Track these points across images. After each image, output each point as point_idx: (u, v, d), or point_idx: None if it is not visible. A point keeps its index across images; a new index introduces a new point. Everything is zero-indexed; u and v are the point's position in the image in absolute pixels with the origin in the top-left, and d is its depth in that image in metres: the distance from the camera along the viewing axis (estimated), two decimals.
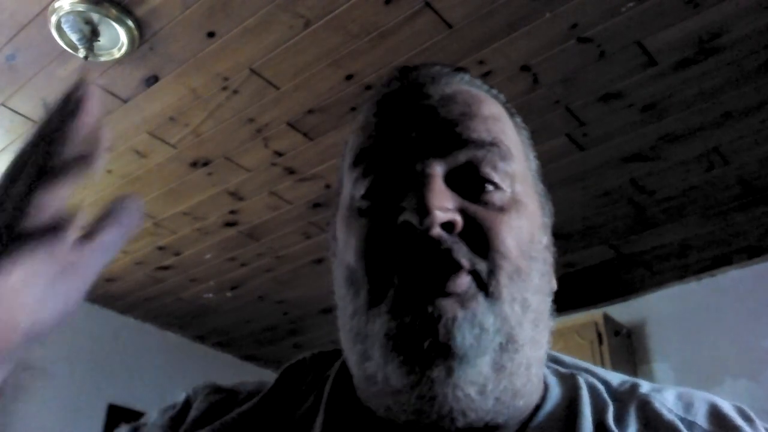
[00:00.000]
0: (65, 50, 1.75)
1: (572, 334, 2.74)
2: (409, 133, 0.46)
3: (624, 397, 0.47)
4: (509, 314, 0.42)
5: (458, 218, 0.42)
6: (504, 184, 0.45)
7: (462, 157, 0.45)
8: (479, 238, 0.43)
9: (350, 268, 0.46)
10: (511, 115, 0.53)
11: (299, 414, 0.50)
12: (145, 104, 1.97)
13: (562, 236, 2.59)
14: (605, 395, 0.47)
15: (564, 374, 0.51)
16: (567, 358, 0.55)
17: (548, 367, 0.52)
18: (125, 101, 1.95)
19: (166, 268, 2.89)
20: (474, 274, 0.42)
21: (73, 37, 1.69)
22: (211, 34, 1.72)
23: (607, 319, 2.76)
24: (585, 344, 2.69)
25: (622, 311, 2.93)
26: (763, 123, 1.99)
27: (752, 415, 0.46)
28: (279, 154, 2.17)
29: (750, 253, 2.66)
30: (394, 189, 0.45)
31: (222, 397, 0.58)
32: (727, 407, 0.47)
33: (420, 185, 0.43)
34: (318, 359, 0.56)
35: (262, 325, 3.40)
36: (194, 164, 2.23)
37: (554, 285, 0.50)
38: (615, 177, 2.24)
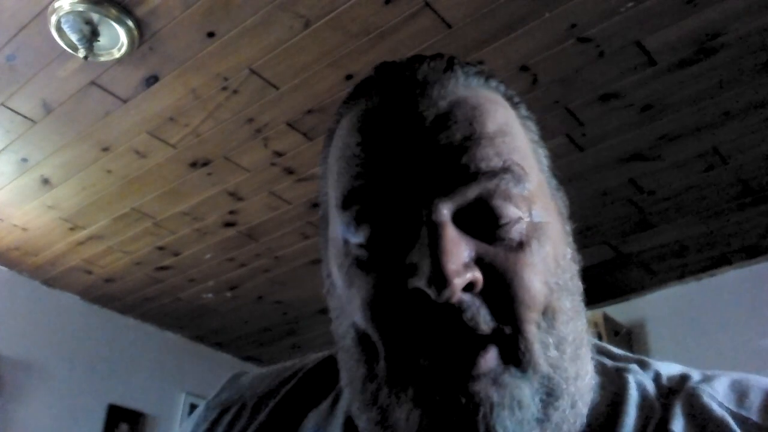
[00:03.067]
0: (65, 50, 1.75)
1: None
2: (405, 169, 0.40)
3: (672, 393, 0.43)
4: (544, 366, 0.38)
5: (478, 276, 0.37)
6: (521, 211, 0.40)
7: (471, 193, 0.39)
8: (501, 288, 0.38)
9: (359, 330, 0.41)
10: (516, 106, 0.47)
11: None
12: (144, 104, 1.97)
13: None
14: (653, 397, 0.43)
15: (610, 371, 0.47)
16: (617, 351, 0.51)
17: (594, 361, 0.48)
18: (125, 101, 1.95)
19: (165, 268, 2.89)
20: (498, 341, 0.37)
21: (73, 37, 1.69)
22: (211, 34, 1.72)
23: (607, 319, 2.76)
24: None
25: (622, 311, 2.93)
26: (762, 123, 1.99)
27: None
28: (278, 154, 2.17)
29: (749, 253, 2.66)
30: (396, 238, 0.40)
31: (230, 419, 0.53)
32: None
33: (429, 239, 0.37)
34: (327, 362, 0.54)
35: (261, 325, 3.40)
36: (194, 164, 2.23)
37: (580, 285, 0.45)
38: (614, 177, 2.24)
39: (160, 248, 2.74)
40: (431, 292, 0.36)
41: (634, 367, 0.47)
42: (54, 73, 1.86)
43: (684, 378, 0.44)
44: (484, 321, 0.37)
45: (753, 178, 2.24)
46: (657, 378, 0.45)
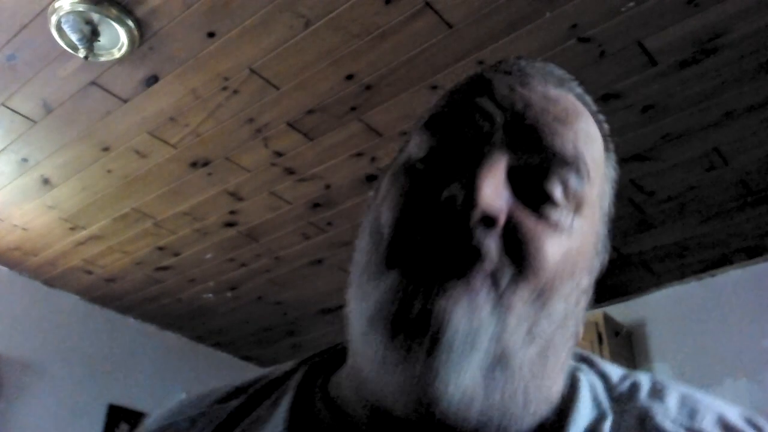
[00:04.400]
0: (65, 50, 1.75)
1: None
2: (492, 111, 0.42)
3: (623, 403, 0.44)
4: (510, 332, 0.38)
5: (502, 215, 0.39)
6: (568, 205, 0.41)
7: (534, 161, 0.41)
8: (516, 246, 0.39)
9: (379, 220, 0.42)
10: (608, 148, 0.48)
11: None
12: (145, 104, 1.96)
13: None
14: (605, 400, 0.44)
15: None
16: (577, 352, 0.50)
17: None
18: (125, 101, 1.95)
19: (165, 268, 2.89)
20: (492, 279, 0.38)
21: (73, 37, 1.69)
22: (211, 34, 1.72)
23: (607, 319, 2.76)
24: (585, 344, 2.68)
25: (622, 311, 2.93)
26: (763, 123, 1.99)
27: (761, 423, 0.43)
28: (279, 154, 2.17)
29: (750, 254, 2.66)
30: (454, 162, 0.41)
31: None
32: (736, 417, 0.43)
33: (479, 166, 0.39)
34: (298, 365, 0.53)
35: (261, 325, 3.40)
36: (194, 164, 2.23)
37: (581, 331, 0.46)
38: None
39: (160, 248, 2.74)
40: (459, 195, 0.37)
41: (583, 366, 0.47)
42: (54, 73, 1.85)
43: (634, 389, 0.45)
44: (489, 251, 0.38)
45: (754, 179, 2.24)
46: (605, 380, 0.46)
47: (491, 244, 0.38)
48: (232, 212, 2.49)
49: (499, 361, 0.38)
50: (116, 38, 1.70)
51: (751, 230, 2.52)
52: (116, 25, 1.66)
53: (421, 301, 0.37)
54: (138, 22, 1.67)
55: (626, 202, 2.38)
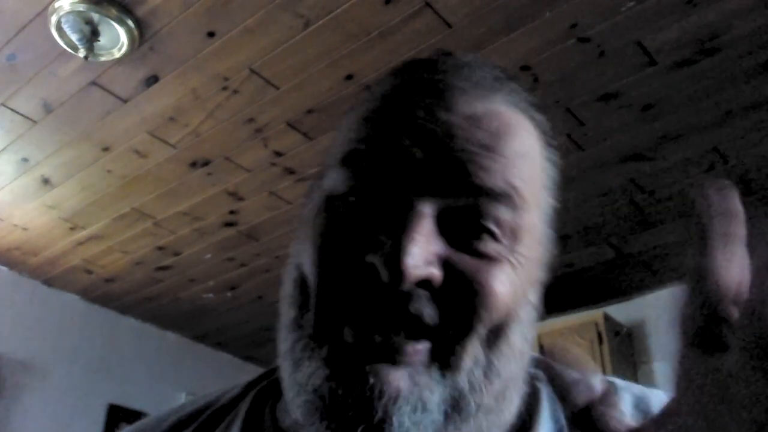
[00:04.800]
0: (65, 50, 1.75)
1: (572, 334, 2.74)
2: (412, 149, 0.39)
3: (583, 411, 0.43)
4: (463, 384, 0.37)
5: (436, 274, 0.36)
6: (504, 237, 0.39)
7: (462, 201, 0.38)
8: (461, 294, 0.37)
9: (301, 272, 0.40)
10: (545, 145, 0.46)
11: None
12: (145, 104, 1.97)
13: (562, 236, 2.58)
14: (561, 410, 0.43)
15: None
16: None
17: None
18: (125, 101, 1.95)
19: (165, 268, 2.89)
20: (434, 342, 0.36)
21: (73, 37, 1.69)
22: (211, 34, 1.72)
23: (607, 319, 2.76)
24: (585, 344, 2.69)
25: (622, 311, 2.93)
26: (762, 122, 1.99)
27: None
28: (278, 154, 2.17)
29: None
30: (375, 208, 0.39)
31: None
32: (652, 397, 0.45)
33: (404, 224, 0.36)
34: (244, 390, 0.53)
35: (261, 325, 3.40)
36: (194, 164, 2.23)
37: (532, 338, 0.44)
38: (615, 177, 2.24)
39: (160, 248, 2.74)
40: (383, 274, 0.35)
41: (540, 374, 0.46)
42: (54, 73, 1.86)
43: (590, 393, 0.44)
44: (429, 315, 0.36)
45: (754, 178, 2.24)
46: (562, 388, 0.45)
47: (428, 308, 0.36)
48: (231, 212, 2.49)
49: (453, 413, 0.37)
50: (116, 38, 1.70)
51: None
52: (116, 25, 1.66)
53: (359, 402, 0.35)
54: (138, 22, 1.67)
55: (626, 202, 2.38)
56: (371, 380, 0.35)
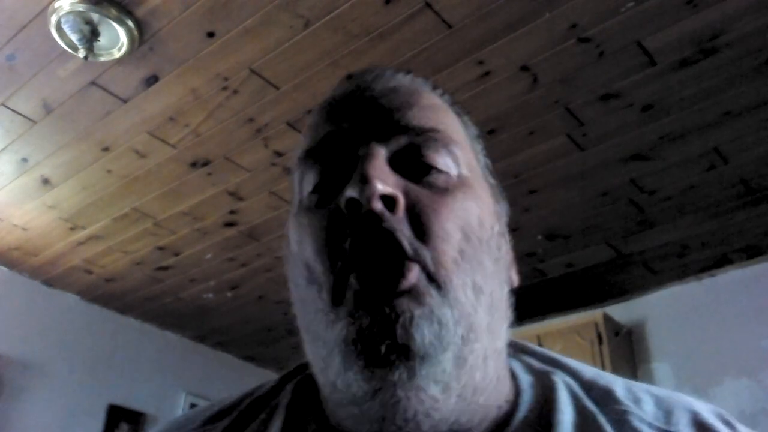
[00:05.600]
0: (65, 50, 1.75)
1: (572, 334, 2.74)
2: (350, 123, 0.46)
3: (601, 403, 0.45)
4: (463, 301, 0.41)
5: (399, 194, 0.41)
6: (448, 167, 0.45)
7: (403, 141, 0.45)
8: (421, 220, 0.42)
9: (309, 266, 0.44)
10: (457, 113, 0.52)
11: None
12: (145, 104, 1.97)
13: (562, 236, 2.59)
14: (586, 401, 0.45)
15: (539, 371, 0.49)
16: (539, 349, 0.53)
17: (520, 361, 0.50)
18: (125, 101, 1.95)
19: (165, 268, 2.89)
20: (420, 263, 0.40)
21: (73, 37, 1.69)
22: (211, 34, 1.72)
23: (607, 319, 2.76)
24: (585, 344, 2.69)
25: (622, 311, 2.93)
26: (762, 122, 1.99)
27: (732, 420, 0.45)
28: (279, 154, 2.17)
29: (749, 253, 2.66)
30: (340, 178, 0.44)
31: None
32: (708, 413, 0.45)
33: (361, 165, 0.42)
34: (281, 382, 0.54)
35: (262, 325, 3.40)
36: (194, 164, 2.23)
37: (515, 278, 0.49)
38: (615, 177, 2.24)
39: (161, 248, 2.74)
40: (355, 191, 0.40)
41: (558, 372, 0.49)
42: (54, 73, 1.86)
43: (609, 393, 0.46)
44: (405, 238, 0.40)
45: (754, 178, 2.24)
46: (579, 379, 0.48)
47: (403, 228, 0.41)
48: (232, 212, 2.49)
49: (469, 334, 0.40)
50: (116, 38, 1.70)
51: (751, 230, 2.52)
52: (116, 25, 1.66)
53: (381, 333, 0.38)
54: (138, 22, 1.68)
55: (626, 202, 2.38)
56: (386, 310, 0.38)
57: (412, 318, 0.38)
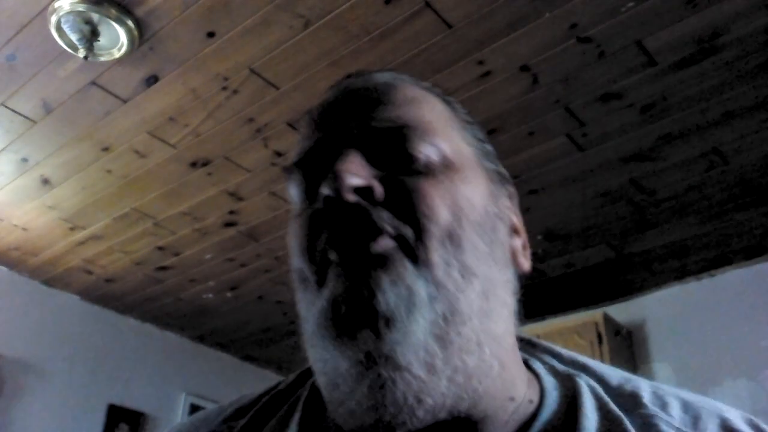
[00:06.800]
0: (65, 50, 1.75)
1: (572, 334, 2.74)
2: (326, 132, 0.47)
3: (628, 409, 0.44)
4: (445, 281, 0.40)
5: (375, 183, 0.42)
6: (432, 154, 0.45)
7: (378, 136, 0.45)
8: (404, 203, 0.42)
9: (298, 267, 0.45)
10: (445, 101, 0.52)
11: None
12: (145, 104, 1.97)
13: (562, 236, 2.59)
14: (613, 405, 0.44)
15: (562, 374, 0.48)
16: (564, 352, 0.52)
17: (545, 363, 0.50)
18: (125, 101, 1.95)
19: (165, 268, 2.89)
20: (399, 239, 0.41)
21: (73, 37, 1.69)
22: (211, 34, 1.72)
23: (607, 319, 2.76)
24: (585, 344, 2.69)
25: (622, 311, 2.93)
26: (762, 123, 1.99)
27: (763, 425, 0.44)
28: (279, 154, 2.17)
29: (749, 253, 2.66)
30: (319, 182, 0.44)
31: None
32: (737, 420, 0.44)
33: (336, 161, 0.43)
34: (299, 377, 0.54)
35: (262, 325, 3.40)
36: (194, 164, 2.23)
37: (525, 263, 0.49)
38: (615, 177, 2.24)
39: (160, 248, 2.74)
40: (328, 189, 0.41)
41: (582, 374, 0.48)
42: (54, 73, 1.85)
43: (635, 396, 0.45)
44: (385, 220, 0.41)
45: (754, 178, 2.24)
46: (605, 384, 0.47)
47: (381, 212, 0.41)
48: (232, 212, 2.49)
49: (452, 315, 0.40)
50: (116, 38, 1.70)
51: (751, 230, 2.52)
52: (116, 25, 1.66)
53: (348, 299, 0.39)
54: (138, 22, 1.67)
55: (626, 202, 2.38)
56: (358, 278, 0.39)
57: (379, 281, 0.39)
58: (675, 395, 0.45)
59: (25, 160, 2.24)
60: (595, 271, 2.82)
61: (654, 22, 1.65)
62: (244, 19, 1.67)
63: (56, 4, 1.62)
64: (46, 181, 2.35)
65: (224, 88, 1.90)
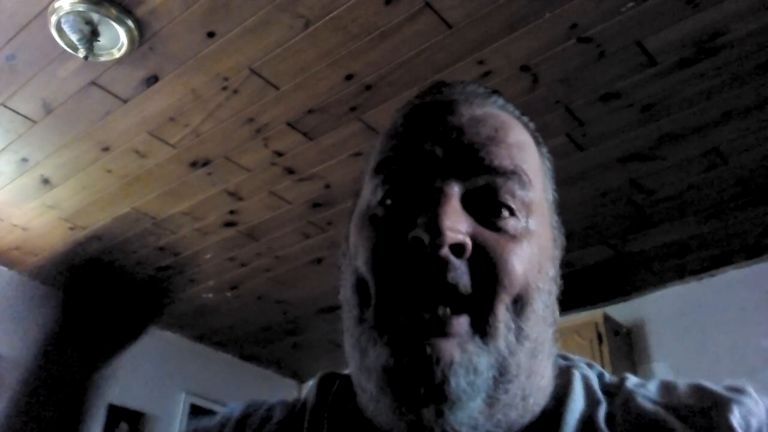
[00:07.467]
0: (65, 50, 1.75)
1: (572, 334, 2.74)
2: (433, 149, 0.46)
3: (613, 392, 0.47)
4: (502, 347, 0.42)
5: (468, 242, 0.42)
6: (520, 212, 0.45)
7: (481, 181, 0.45)
8: (486, 265, 0.43)
9: (359, 276, 0.46)
10: (538, 143, 0.53)
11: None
12: (145, 104, 1.97)
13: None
14: (598, 390, 0.47)
15: (562, 367, 0.51)
16: (574, 357, 0.54)
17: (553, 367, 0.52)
18: (125, 101, 1.95)
19: (165, 268, 2.89)
20: (471, 309, 0.42)
21: (73, 37, 1.69)
22: (211, 34, 1.72)
23: (606, 319, 2.76)
24: (585, 344, 2.69)
25: (622, 311, 2.93)
26: (762, 123, 1.99)
27: (744, 386, 0.46)
28: (279, 154, 2.17)
29: (749, 253, 2.66)
30: (410, 202, 0.45)
31: None
32: (713, 385, 0.47)
33: (436, 203, 0.43)
34: (325, 380, 0.56)
35: (262, 324, 3.40)
36: (194, 164, 2.23)
37: (557, 316, 0.51)
38: (614, 177, 2.24)
39: (161, 248, 2.74)
40: (425, 237, 0.41)
41: (581, 363, 0.52)
42: (54, 73, 1.85)
43: (622, 379, 0.49)
44: (464, 284, 0.42)
45: (753, 178, 2.24)
46: (600, 375, 0.50)
47: (464, 275, 0.42)
48: (232, 212, 2.49)
49: (501, 377, 0.42)
50: (116, 38, 1.70)
51: (751, 230, 2.52)
52: (116, 25, 1.66)
53: (420, 370, 0.40)
54: (138, 22, 1.67)
55: (626, 202, 2.38)
56: (428, 350, 0.40)
57: (452, 363, 0.40)
58: (660, 379, 0.49)
59: (25, 160, 2.24)
60: (594, 271, 2.82)
61: (654, 22, 1.65)
62: (244, 19, 1.67)
63: (56, 4, 1.62)
64: (46, 181, 2.35)
65: (224, 88, 1.90)
